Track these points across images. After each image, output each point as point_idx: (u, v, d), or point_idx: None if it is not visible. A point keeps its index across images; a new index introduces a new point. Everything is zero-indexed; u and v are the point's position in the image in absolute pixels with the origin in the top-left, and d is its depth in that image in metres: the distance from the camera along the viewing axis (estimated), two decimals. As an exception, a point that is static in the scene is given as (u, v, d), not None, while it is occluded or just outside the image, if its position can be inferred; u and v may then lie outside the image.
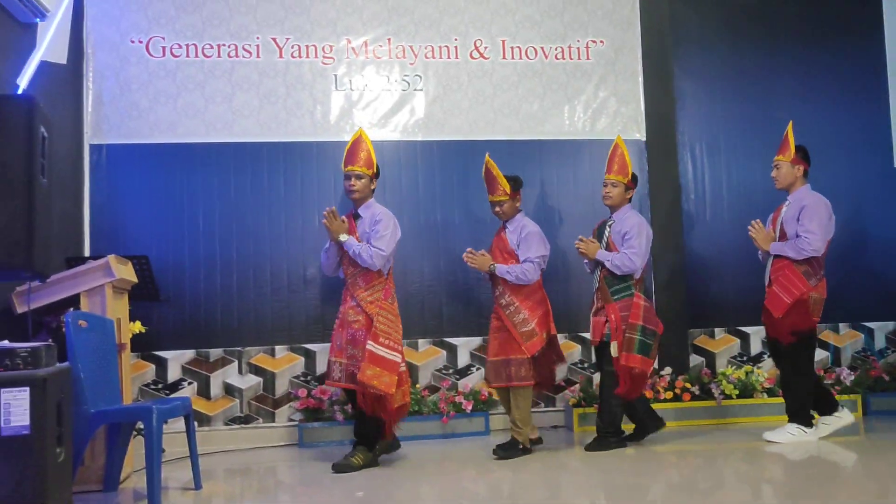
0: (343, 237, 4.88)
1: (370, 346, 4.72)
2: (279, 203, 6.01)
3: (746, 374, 6.29)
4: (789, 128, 5.32)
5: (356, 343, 4.83)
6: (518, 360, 5.06)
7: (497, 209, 5.22)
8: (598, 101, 6.50)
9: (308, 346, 6.07)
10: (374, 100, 6.32)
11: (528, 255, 5.17)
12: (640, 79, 6.60)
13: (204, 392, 5.93)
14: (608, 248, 5.24)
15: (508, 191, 5.16)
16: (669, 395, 6.14)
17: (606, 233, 5.25)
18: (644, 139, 6.53)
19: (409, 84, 6.28)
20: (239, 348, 5.96)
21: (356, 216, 5.02)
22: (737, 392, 6.16)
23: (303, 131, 6.09)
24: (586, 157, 6.41)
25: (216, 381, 5.95)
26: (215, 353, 5.98)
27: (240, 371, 5.96)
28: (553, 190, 6.34)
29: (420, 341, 6.21)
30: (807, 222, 5.07)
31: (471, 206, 6.17)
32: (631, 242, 5.09)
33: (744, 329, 6.66)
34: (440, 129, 6.31)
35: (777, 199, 5.54)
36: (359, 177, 4.94)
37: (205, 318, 5.94)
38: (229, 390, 5.98)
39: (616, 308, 5.06)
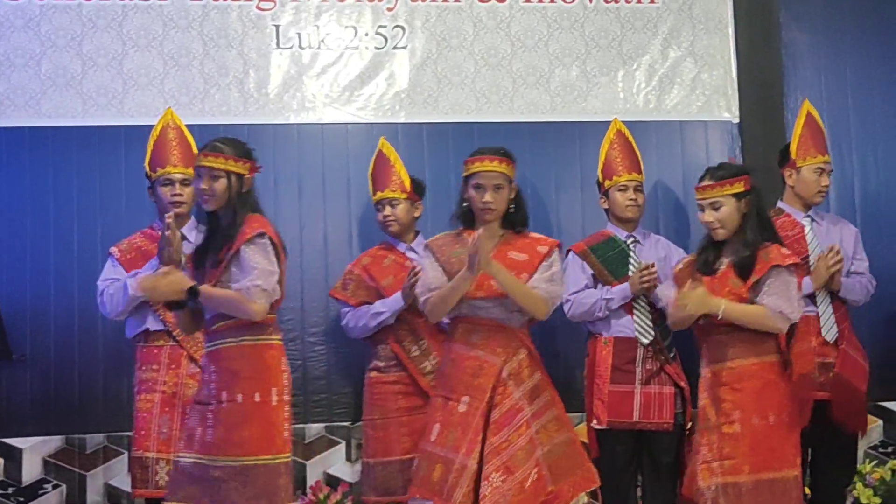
0: None
1: None
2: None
3: (894, 472, 5.20)
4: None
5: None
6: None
7: (389, 213, 4.76)
8: (667, 63, 5.64)
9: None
10: (335, 62, 5.41)
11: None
12: (731, 30, 5.65)
13: (76, 502, 4.85)
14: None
15: (408, 187, 4.72)
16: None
17: (633, 259, 4.66)
18: (737, 120, 5.60)
19: (386, 39, 5.45)
20: (130, 433, 4.75)
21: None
22: (879, 502, 5.14)
23: (228, 108, 5.33)
24: (651, 147, 5.46)
25: (94, 484, 4.88)
26: (94, 440, 4.93)
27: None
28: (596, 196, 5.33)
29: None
30: (861, 251, 4.77)
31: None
32: None
33: (888, 405, 5.53)
34: (432, 105, 5.50)
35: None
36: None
37: (80, 387, 4.96)
38: (115, 498, 4.85)
39: None
